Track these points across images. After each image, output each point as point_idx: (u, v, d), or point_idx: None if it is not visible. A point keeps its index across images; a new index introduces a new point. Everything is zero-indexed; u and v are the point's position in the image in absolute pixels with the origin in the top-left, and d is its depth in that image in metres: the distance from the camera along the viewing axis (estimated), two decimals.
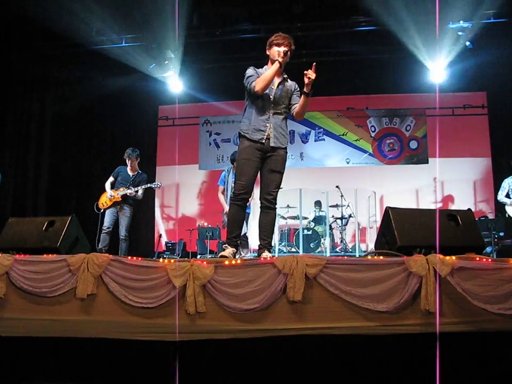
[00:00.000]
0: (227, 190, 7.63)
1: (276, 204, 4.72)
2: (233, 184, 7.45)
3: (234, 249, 4.60)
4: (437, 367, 3.07)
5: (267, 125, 4.63)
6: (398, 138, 12.53)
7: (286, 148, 4.74)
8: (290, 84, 4.86)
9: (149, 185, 7.79)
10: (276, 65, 4.58)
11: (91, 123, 11.39)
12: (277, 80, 4.74)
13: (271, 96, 4.70)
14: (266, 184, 4.66)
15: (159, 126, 13.25)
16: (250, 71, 4.75)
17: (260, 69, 4.80)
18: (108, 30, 9.66)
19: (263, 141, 4.60)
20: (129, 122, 11.94)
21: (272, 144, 4.62)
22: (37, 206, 10.22)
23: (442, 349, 3.28)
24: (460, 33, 9.38)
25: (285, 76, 4.83)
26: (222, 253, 4.49)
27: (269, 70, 4.63)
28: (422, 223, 4.01)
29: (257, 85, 4.57)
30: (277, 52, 4.65)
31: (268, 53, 4.79)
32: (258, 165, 4.64)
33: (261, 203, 4.69)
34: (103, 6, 8.76)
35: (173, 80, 10.95)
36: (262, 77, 4.60)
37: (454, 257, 3.46)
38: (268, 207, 4.67)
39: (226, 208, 7.36)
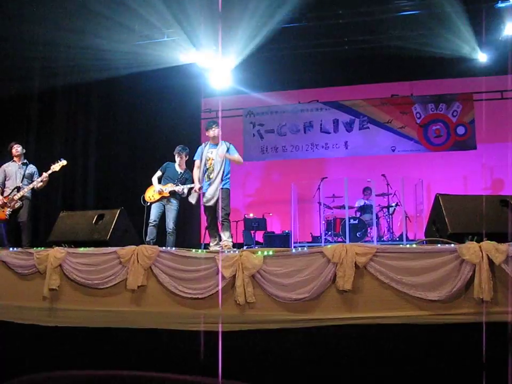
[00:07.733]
0: (203, 165, 7.16)
1: None
2: (209, 160, 7.20)
3: None
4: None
5: None
6: (444, 124, 12.23)
7: None
8: None
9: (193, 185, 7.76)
10: None
11: (136, 118, 11.53)
12: None
13: None
14: None
15: (202, 118, 13.29)
16: None
17: None
18: (150, 25, 9.76)
19: None
20: (173, 116, 12.01)
21: None
22: (86, 198, 10.46)
23: (496, 338, 3.21)
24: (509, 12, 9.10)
25: None
26: None
27: None
28: (474, 209, 3.92)
29: None
30: None
31: None
32: None
33: None
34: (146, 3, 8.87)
35: (216, 73, 10.99)
36: None
37: (508, 244, 3.37)
38: None
39: (197, 185, 7.04)
